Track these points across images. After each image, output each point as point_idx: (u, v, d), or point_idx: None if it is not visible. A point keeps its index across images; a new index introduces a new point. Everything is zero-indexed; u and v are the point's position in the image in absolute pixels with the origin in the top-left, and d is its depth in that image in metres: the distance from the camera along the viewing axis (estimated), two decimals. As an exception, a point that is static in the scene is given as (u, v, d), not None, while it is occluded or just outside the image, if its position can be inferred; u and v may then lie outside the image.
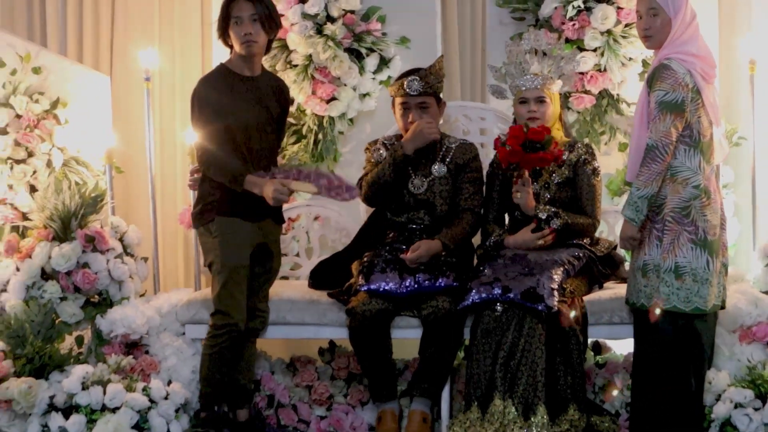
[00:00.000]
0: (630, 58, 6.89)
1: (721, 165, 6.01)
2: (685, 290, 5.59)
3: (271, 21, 5.98)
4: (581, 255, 6.11)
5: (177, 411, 5.85)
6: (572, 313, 5.77)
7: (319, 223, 7.05)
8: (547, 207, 6.10)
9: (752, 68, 6.88)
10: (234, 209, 5.97)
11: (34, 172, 6.85)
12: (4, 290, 6.47)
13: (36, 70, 6.91)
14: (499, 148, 6.08)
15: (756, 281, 6.33)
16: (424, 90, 6.26)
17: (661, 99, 5.57)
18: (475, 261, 6.29)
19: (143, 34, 7.45)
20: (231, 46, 6.07)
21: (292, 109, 6.97)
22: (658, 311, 5.49)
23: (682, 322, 5.65)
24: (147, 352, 6.25)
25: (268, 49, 6.21)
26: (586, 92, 6.95)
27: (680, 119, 5.57)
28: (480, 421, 5.76)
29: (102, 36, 7.63)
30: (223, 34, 6.05)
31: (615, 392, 6.24)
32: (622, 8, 6.87)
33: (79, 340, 6.40)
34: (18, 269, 6.45)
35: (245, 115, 6.01)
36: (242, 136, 5.98)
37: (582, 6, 6.91)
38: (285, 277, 6.83)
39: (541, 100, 6.24)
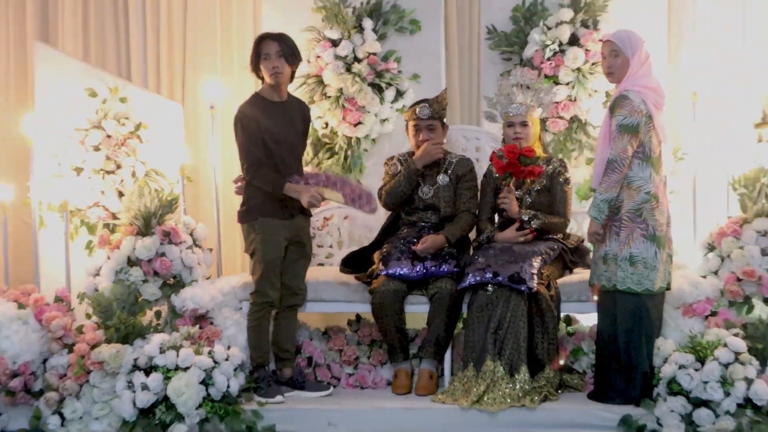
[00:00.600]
0: (595, 90, 6.88)
1: (668, 175, 6.01)
2: (637, 275, 5.67)
3: (293, 56, 6.06)
4: (555, 247, 6.17)
5: (235, 370, 5.85)
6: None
7: (348, 221, 7.05)
8: (528, 210, 6.17)
9: (694, 98, 6.90)
10: (272, 211, 6.04)
11: (122, 180, 6.89)
12: (97, 274, 6.51)
13: (122, 100, 6.96)
14: (495, 160, 6.14)
15: (698, 268, 6.33)
16: (431, 115, 6.30)
17: (620, 122, 5.64)
18: (471, 251, 6.29)
19: (209, 68, 7.45)
20: (262, 78, 6.12)
21: (327, 131, 6.99)
22: (596, 297, 5.91)
23: (635, 300, 5.72)
24: (211, 323, 6.27)
25: (291, 78, 6.23)
26: (560, 117, 6.94)
27: (635, 139, 5.64)
28: (475, 378, 5.80)
29: (176, 71, 7.64)
30: (255, 68, 6.11)
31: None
32: (589, 50, 6.86)
33: (158, 314, 6.43)
34: (108, 258, 6.48)
35: (277, 132, 6.07)
36: (276, 149, 6.04)
37: (557, 49, 6.91)
38: (321, 264, 6.84)
39: (524, 124, 6.27)
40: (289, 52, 6.05)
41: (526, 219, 6.11)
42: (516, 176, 6.08)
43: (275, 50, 5.99)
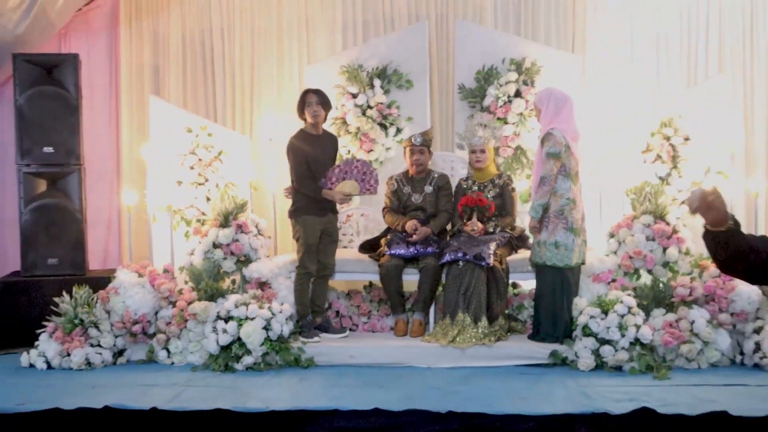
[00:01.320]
0: (532, 128, 6.87)
1: (582, 185, 6.03)
2: (560, 255, 5.74)
3: (327, 105, 6.19)
4: (505, 235, 6.16)
5: (286, 320, 5.87)
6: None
7: (363, 218, 7.05)
8: (490, 223, 6.20)
9: (601, 134, 6.91)
10: (311, 210, 6.12)
11: (209, 190, 6.93)
12: (192, 254, 6.52)
13: (209, 134, 6.98)
14: (465, 199, 6.18)
15: (603, 250, 6.35)
16: (422, 143, 6.32)
17: (548, 151, 5.73)
18: (448, 238, 6.27)
19: (267, 112, 7.46)
20: (305, 119, 6.16)
21: (349, 156, 6.99)
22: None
23: (560, 272, 5.79)
24: (270, 288, 6.29)
25: (325, 119, 6.27)
26: (508, 146, 6.95)
27: (558, 162, 5.73)
28: (450, 325, 5.83)
29: (245, 114, 7.67)
30: (301, 112, 6.17)
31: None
32: (528, 101, 6.86)
33: (233, 282, 6.43)
34: (200, 242, 6.49)
35: (315, 157, 6.14)
36: (315, 168, 6.11)
37: (506, 99, 6.91)
38: (345, 247, 6.84)
39: (483, 151, 6.28)
40: (325, 101, 6.17)
41: (492, 231, 6.17)
42: (479, 214, 6.17)
43: (315, 100, 6.10)
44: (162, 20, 7.74)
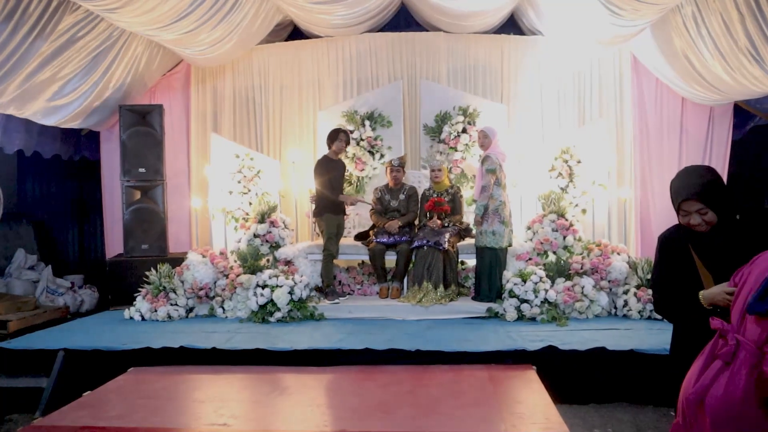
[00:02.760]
0: (475, 153, 6.84)
1: (509, 191, 6.01)
2: (495, 239, 5.74)
3: (348, 143, 6.26)
4: (456, 228, 6.09)
5: (305, 287, 5.83)
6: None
7: (358, 216, 6.97)
8: (447, 220, 6.11)
9: (521, 158, 6.90)
10: (330, 210, 6.06)
11: (251, 197, 6.85)
12: (239, 241, 6.48)
13: (251, 159, 6.92)
14: (429, 203, 6.12)
15: (524, 239, 6.34)
16: (398, 165, 6.29)
17: (487, 168, 5.76)
18: (416, 230, 6.22)
19: (291, 144, 7.42)
20: (330, 147, 6.14)
21: (347, 173, 6.90)
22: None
23: (494, 252, 5.76)
24: (293, 265, 6.24)
25: (343, 150, 6.24)
26: (458, 167, 6.90)
27: (494, 176, 5.73)
28: (418, 290, 5.81)
29: (276, 144, 7.58)
30: (331, 143, 6.14)
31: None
32: (471, 135, 6.81)
33: (268, 260, 6.37)
34: (245, 233, 6.45)
35: (335, 174, 6.11)
36: (335, 181, 6.08)
37: (456, 134, 6.87)
38: (345, 237, 6.76)
39: (440, 170, 6.23)
40: (346, 141, 6.25)
41: (446, 225, 6.08)
42: (436, 212, 6.09)
43: (345, 139, 6.21)
44: (219, 81, 7.69)
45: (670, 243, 2.66)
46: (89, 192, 8.15)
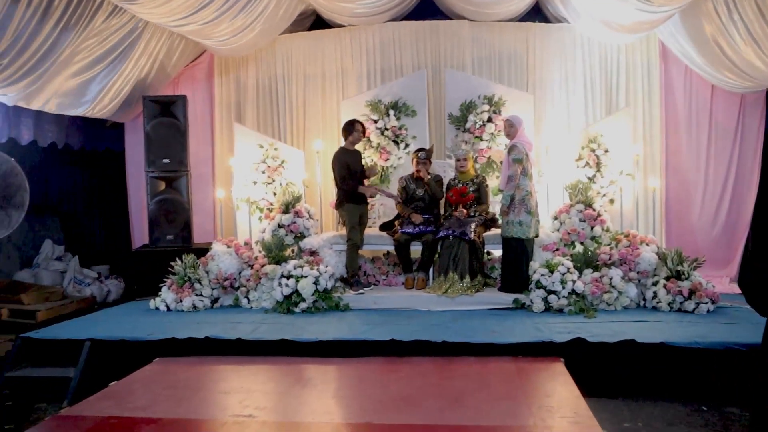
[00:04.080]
0: (500, 142, 6.75)
1: (535, 181, 5.92)
2: (522, 230, 5.67)
3: (364, 133, 6.21)
4: (482, 218, 6.04)
5: (330, 277, 5.79)
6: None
7: (383, 207, 6.91)
8: (472, 209, 6.06)
9: (548, 148, 6.81)
10: (351, 200, 6.03)
11: (275, 187, 6.84)
12: (264, 231, 6.47)
13: (275, 149, 6.91)
14: (453, 196, 6.06)
15: (549, 227, 6.25)
16: (425, 158, 6.21)
17: (513, 157, 5.66)
18: (442, 220, 6.14)
19: (315, 134, 7.38)
20: (347, 138, 6.10)
21: (372, 163, 6.85)
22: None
23: (521, 242, 5.68)
24: (318, 255, 6.20)
25: (359, 140, 6.19)
26: (483, 156, 6.81)
27: (521, 165, 5.65)
28: (443, 281, 5.76)
29: (300, 134, 7.55)
30: (347, 134, 6.09)
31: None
32: (497, 125, 6.71)
33: (292, 251, 6.35)
34: (269, 224, 6.45)
35: (352, 163, 6.08)
36: (353, 170, 6.03)
37: (482, 123, 6.77)
38: (370, 227, 6.69)
39: (465, 159, 6.19)
40: (362, 132, 6.23)
41: (472, 215, 6.01)
42: (462, 203, 6.01)
43: (360, 128, 6.18)
44: (242, 71, 7.68)
45: None
46: (115, 183, 8.19)
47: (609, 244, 5.93)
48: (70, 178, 8.56)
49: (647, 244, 5.89)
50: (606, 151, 6.50)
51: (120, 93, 6.72)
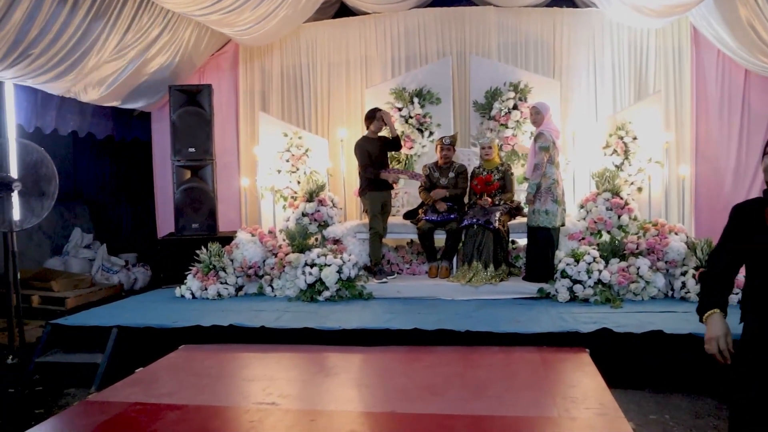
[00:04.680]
0: (526, 130, 6.68)
1: (562, 169, 5.83)
2: (549, 219, 5.58)
3: (384, 121, 6.04)
4: (507, 206, 5.96)
5: (353, 266, 5.79)
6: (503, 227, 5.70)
7: (407, 195, 6.88)
8: (497, 198, 6.01)
9: (574, 134, 6.71)
10: (374, 188, 5.98)
11: (299, 176, 6.84)
12: (288, 220, 6.50)
13: (300, 138, 6.90)
14: (478, 185, 6.03)
15: (575, 216, 6.18)
16: (449, 143, 6.17)
17: (540, 145, 5.55)
18: (466, 208, 6.10)
19: (339, 122, 7.39)
20: (368, 127, 6.05)
21: (396, 154, 6.83)
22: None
23: (547, 231, 5.60)
24: (341, 243, 6.20)
25: (381, 128, 6.13)
26: (508, 144, 6.75)
27: (547, 153, 5.53)
28: (467, 269, 5.73)
29: (324, 123, 7.56)
30: (369, 122, 6.04)
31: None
32: (522, 112, 6.65)
33: (316, 239, 6.35)
34: (293, 212, 6.47)
35: (374, 150, 6.03)
36: (375, 158, 5.99)
37: (507, 110, 6.71)
38: (394, 215, 6.67)
39: (490, 147, 6.11)
40: (382, 119, 6.09)
41: (497, 204, 5.96)
42: (486, 192, 5.97)
43: (377, 115, 6.04)
44: (267, 60, 7.69)
45: (742, 211, 2.30)
46: (141, 172, 8.28)
47: (636, 233, 5.84)
48: (99, 168, 8.68)
49: (676, 234, 5.79)
50: (634, 139, 6.40)
51: (146, 82, 6.77)
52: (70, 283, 6.64)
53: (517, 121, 6.73)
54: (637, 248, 5.58)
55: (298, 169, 6.86)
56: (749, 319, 2.29)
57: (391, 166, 6.41)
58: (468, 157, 6.72)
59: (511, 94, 6.76)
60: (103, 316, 5.26)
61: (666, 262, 5.58)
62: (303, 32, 7.56)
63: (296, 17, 6.99)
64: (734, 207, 2.31)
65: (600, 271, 5.37)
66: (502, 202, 6.00)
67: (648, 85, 7.06)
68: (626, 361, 4.25)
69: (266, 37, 7.17)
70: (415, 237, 6.23)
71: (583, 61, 7.14)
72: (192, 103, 6.91)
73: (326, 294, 5.67)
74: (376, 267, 6.04)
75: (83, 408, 3.45)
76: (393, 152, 6.59)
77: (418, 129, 6.98)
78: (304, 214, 6.41)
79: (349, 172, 7.01)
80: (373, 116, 6.12)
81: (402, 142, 6.41)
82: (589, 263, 5.41)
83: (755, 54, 6.19)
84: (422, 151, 6.97)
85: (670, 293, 5.58)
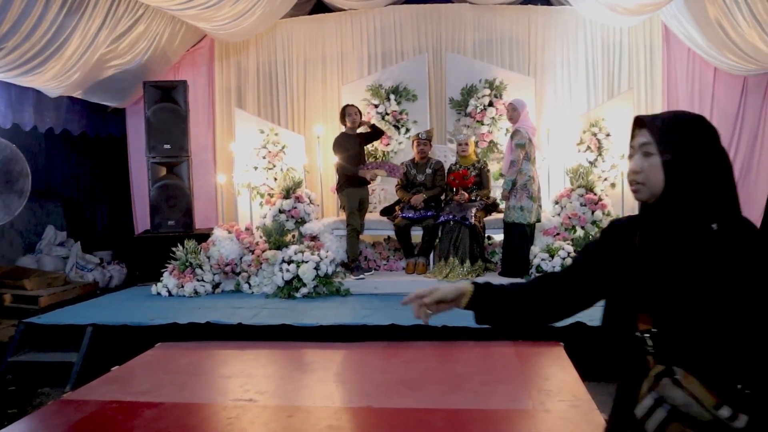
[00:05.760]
0: (501, 126, 6.73)
1: (537, 166, 5.88)
2: (524, 215, 5.61)
3: (359, 114, 6.18)
4: (483, 203, 6.01)
5: (330, 262, 5.78)
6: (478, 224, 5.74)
7: (384, 192, 6.90)
8: (473, 194, 6.04)
9: (548, 131, 6.77)
10: (351, 184, 6.00)
11: (276, 172, 6.82)
12: (264, 217, 6.47)
13: (276, 134, 6.88)
14: (454, 178, 6.09)
15: (550, 212, 6.23)
16: (425, 138, 6.21)
17: (516, 142, 5.58)
18: (442, 205, 6.13)
19: (315, 119, 7.35)
20: (345, 124, 6.08)
21: (372, 148, 6.85)
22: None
23: (522, 227, 5.64)
24: (319, 240, 6.20)
25: (357, 123, 6.16)
26: (484, 141, 6.79)
27: (523, 150, 5.57)
28: (444, 265, 5.76)
29: (300, 120, 7.53)
30: (342, 119, 6.10)
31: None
32: (497, 109, 6.71)
33: (293, 236, 6.34)
34: (270, 209, 6.44)
35: (351, 148, 6.05)
36: (351, 156, 6.02)
37: (483, 107, 6.76)
38: (370, 212, 6.67)
39: (466, 144, 6.15)
40: (357, 111, 6.14)
41: (473, 200, 6.01)
42: (463, 186, 6.02)
43: (354, 111, 6.11)
44: (243, 56, 7.65)
45: (613, 229, 1.55)
46: (116, 169, 8.18)
47: (610, 229, 5.92)
48: (73, 164, 8.55)
49: (648, 229, 5.87)
50: (607, 135, 6.48)
51: (118, 76, 6.70)
52: (43, 282, 6.54)
53: (493, 117, 6.78)
54: (610, 243, 5.66)
55: (274, 166, 6.84)
56: (619, 382, 1.50)
57: (368, 161, 6.42)
58: (444, 154, 6.76)
59: (487, 91, 6.80)
60: (78, 314, 5.19)
61: (638, 257, 5.66)
62: (279, 28, 7.53)
63: (273, 13, 6.96)
64: (609, 223, 1.60)
65: (574, 266, 5.43)
66: (478, 198, 6.04)
67: (621, 83, 7.15)
68: (599, 355, 4.31)
69: (243, 33, 7.13)
70: (392, 233, 6.24)
71: (558, 58, 7.21)
72: (167, 99, 6.84)
73: (304, 290, 5.66)
74: (353, 263, 6.05)
75: (58, 407, 3.42)
76: (374, 143, 6.67)
77: (395, 126, 6.99)
78: (281, 211, 6.40)
79: (325, 169, 7.01)
80: (344, 113, 6.17)
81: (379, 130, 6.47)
82: (564, 258, 5.47)
83: (723, 52, 6.31)
84: (399, 148, 6.99)
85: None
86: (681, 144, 1.39)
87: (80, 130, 7.57)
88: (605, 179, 6.46)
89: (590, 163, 6.47)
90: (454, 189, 6.15)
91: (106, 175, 8.79)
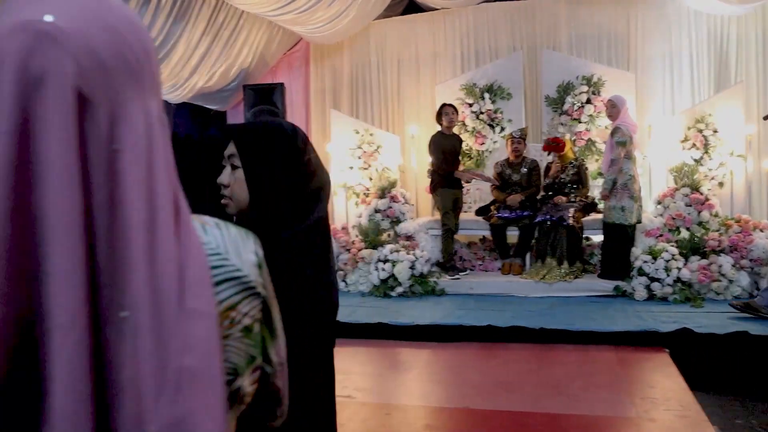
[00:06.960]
0: (600, 124, 6.54)
1: (638, 166, 5.69)
2: (624, 216, 5.44)
3: (456, 114, 6.08)
4: (582, 203, 5.85)
5: (425, 262, 5.81)
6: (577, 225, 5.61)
7: (479, 192, 6.83)
8: (571, 195, 5.91)
9: (650, 128, 6.53)
10: (446, 185, 5.98)
11: (371, 172, 6.89)
12: (360, 216, 6.55)
13: (371, 135, 6.94)
14: (545, 145, 6.07)
15: (652, 212, 6.02)
16: (520, 136, 6.12)
17: (617, 140, 5.42)
18: (539, 205, 6.02)
19: (410, 119, 7.39)
20: (441, 123, 6.03)
21: (467, 148, 6.80)
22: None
23: (623, 228, 5.48)
24: (414, 239, 6.22)
25: (454, 123, 6.12)
26: (582, 139, 6.61)
27: (624, 149, 5.38)
28: (541, 266, 5.67)
29: (396, 120, 7.58)
30: (438, 118, 6.05)
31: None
32: (596, 106, 6.51)
33: (389, 235, 6.39)
34: (366, 208, 6.53)
35: (448, 147, 6.02)
36: (448, 155, 5.98)
37: (580, 105, 6.58)
38: (466, 212, 6.62)
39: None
40: (454, 112, 6.10)
41: (572, 200, 5.86)
42: (555, 152, 6.02)
43: (451, 110, 6.06)
44: (337, 58, 7.78)
45: None
46: (220, 169, 8.51)
47: (718, 230, 5.64)
48: (177, 164, 8.99)
49: (761, 230, 5.56)
50: (715, 131, 6.15)
51: (224, 82, 6.99)
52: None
53: (591, 115, 6.60)
54: (718, 245, 5.39)
55: (369, 166, 6.92)
56: None
57: (462, 164, 6.39)
58: (540, 153, 6.65)
59: (584, 88, 6.62)
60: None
61: (750, 260, 5.36)
62: (372, 30, 7.61)
63: (366, 15, 7.05)
64: None
65: (679, 269, 5.21)
66: (576, 198, 5.91)
67: (729, 76, 6.78)
68: (709, 363, 4.11)
69: (336, 36, 7.26)
70: (487, 233, 6.20)
71: (659, 52, 6.91)
72: (265, 101, 7.05)
73: (399, 289, 5.71)
74: (448, 263, 6.04)
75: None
76: (469, 143, 6.68)
77: (489, 125, 6.93)
78: (376, 211, 6.48)
79: (420, 169, 7.03)
80: (441, 112, 6.12)
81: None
82: (668, 261, 5.25)
83: None
84: (493, 147, 6.92)
85: (755, 293, 5.35)
86: (255, 156, 1.40)
87: (185, 132, 7.95)
88: (712, 178, 6.14)
89: (696, 161, 6.17)
90: (548, 153, 6.16)
91: (207, 175, 9.17)
